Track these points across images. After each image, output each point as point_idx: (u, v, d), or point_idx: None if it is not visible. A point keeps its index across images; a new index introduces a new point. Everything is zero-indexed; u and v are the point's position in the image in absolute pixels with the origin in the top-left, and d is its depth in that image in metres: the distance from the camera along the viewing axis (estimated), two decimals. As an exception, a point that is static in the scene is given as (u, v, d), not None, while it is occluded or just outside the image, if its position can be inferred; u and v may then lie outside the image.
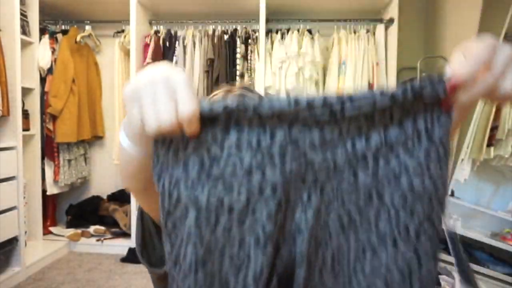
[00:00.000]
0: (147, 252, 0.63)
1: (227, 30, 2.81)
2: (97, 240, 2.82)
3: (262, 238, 0.40)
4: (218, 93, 0.69)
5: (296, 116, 0.38)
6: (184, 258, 0.41)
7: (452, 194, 2.29)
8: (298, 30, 2.72)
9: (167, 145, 0.40)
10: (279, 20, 2.83)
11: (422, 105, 0.39)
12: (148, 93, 0.36)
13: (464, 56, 0.37)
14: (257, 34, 2.74)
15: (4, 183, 2.17)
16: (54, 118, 2.76)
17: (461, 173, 2.23)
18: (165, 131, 0.36)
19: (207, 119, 0.38)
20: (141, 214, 0.64)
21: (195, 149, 0.39)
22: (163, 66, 0.38)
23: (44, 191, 2.82)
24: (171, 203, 0.40)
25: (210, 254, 0.40)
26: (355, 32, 2.70)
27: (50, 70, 2.77)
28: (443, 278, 2.07)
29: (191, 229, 0.40)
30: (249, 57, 2.74)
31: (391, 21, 2.63)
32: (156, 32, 2.85)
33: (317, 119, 0.38)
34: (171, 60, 2.76)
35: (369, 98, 0.37)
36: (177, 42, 2.77)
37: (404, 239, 0.40)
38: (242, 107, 0.38)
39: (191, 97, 0.36)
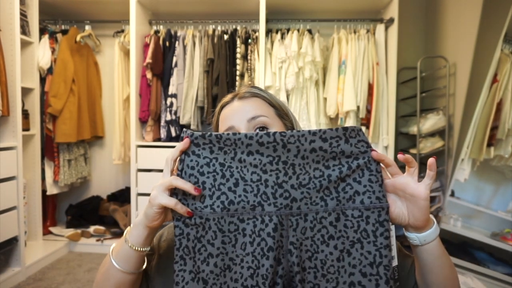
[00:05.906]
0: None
1: (227, 30, 2.80)
2: (97, 240, 2.82)
3: (266, 251, 0.58)
4: (227, 97, 0.79)
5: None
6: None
7: (452, 194, 2.29)
8: (298, 30, 2.72)
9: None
10: (279, 20, 2.83)
11: (358, 151, 0.60)
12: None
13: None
14: (257, 34, 2.74)
15: (4, 183, 2.17)
16: (54, 118, 2.76)
17: (461, 173, 2.23)
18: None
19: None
20: None
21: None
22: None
23: (44, 191, 2.82)
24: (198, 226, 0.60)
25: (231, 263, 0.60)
26: (355, 32, 2.70)
27: (50, 70, 2.77)
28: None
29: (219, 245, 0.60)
30: (249, 57, 2.74)
31: (391, 21, 2.63)
32: (156, 32, 2.85)
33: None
34: (171, 60, 2.76)
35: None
36: (177, 42, 2.77)
37: (367, 239, 0.59)
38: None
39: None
